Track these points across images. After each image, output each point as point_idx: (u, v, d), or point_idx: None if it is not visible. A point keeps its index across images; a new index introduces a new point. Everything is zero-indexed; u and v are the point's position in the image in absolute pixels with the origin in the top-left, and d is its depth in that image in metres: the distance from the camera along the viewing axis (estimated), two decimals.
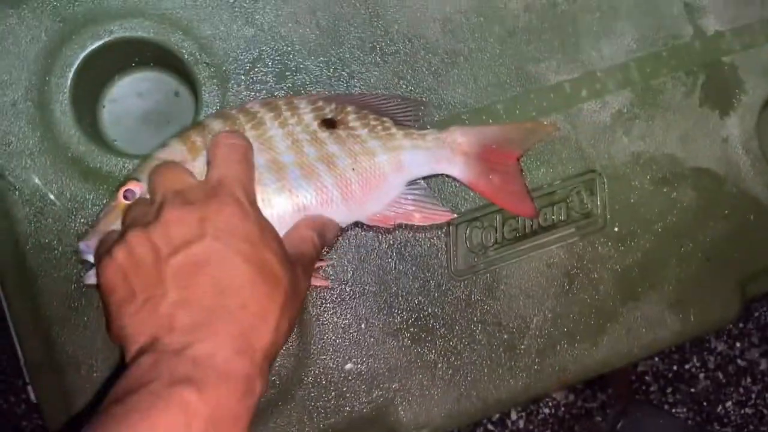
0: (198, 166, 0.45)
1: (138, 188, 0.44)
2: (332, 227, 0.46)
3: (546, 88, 0.54)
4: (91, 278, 0.44)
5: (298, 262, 0.41)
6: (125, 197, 0.44)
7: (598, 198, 0.54)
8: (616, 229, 0.54)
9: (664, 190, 0.55)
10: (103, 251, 0.40)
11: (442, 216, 0.49)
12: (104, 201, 0.48)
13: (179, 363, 0.34)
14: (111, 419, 0.31)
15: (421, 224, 0.50)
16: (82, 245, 0.44)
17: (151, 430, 0.31)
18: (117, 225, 0.44)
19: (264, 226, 0.40)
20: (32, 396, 0.50)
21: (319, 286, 0.51)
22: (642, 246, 0.54)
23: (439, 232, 0.52)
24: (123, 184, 0.45)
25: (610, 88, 0.55)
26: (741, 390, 0.99)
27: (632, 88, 0.55)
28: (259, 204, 0.45)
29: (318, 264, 0.50)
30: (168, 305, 0.36)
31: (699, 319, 0.55)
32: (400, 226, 0.51)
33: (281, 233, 0.45)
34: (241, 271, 0.37)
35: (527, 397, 0.53)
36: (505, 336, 0.53)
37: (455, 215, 0.50)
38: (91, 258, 0.44)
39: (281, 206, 0.46)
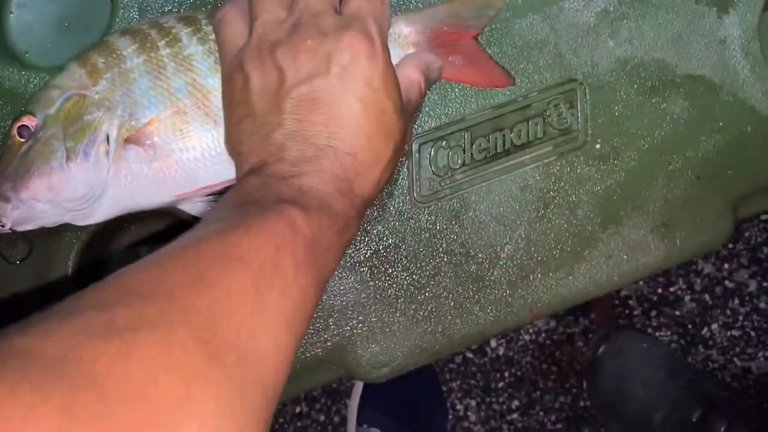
0: (100, 91, 0.39)
1: (32, 123, 0.39)
2: (436, 67, 0.43)
3: None
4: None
5: (407, 111, 0.40)
6: (20, 134, 0.39)
7: (579, 111, 0.48)
8: (597, 146, 0.49)
9: (653, 100, 0.49)
10: (235, 61, 0.38)
11: None
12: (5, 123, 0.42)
13: (286, 187, 0.34)
14: (221, 221, 0.31)
15: None
16: None
17: (259, 234, 0.30)
18: (10, 168, 0.38)
19: (390, 72, 0.38)
20: None
21: None
22: (626, 164, 0.49)
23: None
24: (17, 118, 0.39)
25: None
26: (728, 312, 0.96)
27: None
28: (176, 135, 0.39)
29: None
30: (282, 135, 0.36)
31: (686, 243, 0.50)
32: None
33: (207, 172, 0.40)
34: (358, 117, 0.36)
35: (497, 331, 0.49)
36: (473, 267, 0.48)
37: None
38: None
39: (204, 140, 0.40)
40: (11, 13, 0.46)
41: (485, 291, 0.48)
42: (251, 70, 0.37)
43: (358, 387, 0.85)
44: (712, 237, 0.50)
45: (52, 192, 0.38)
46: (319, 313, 0.47)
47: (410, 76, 0.41)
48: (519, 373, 0.95)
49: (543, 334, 0.95)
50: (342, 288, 0.47)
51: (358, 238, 0.46)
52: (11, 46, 0.46)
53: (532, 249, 0.48)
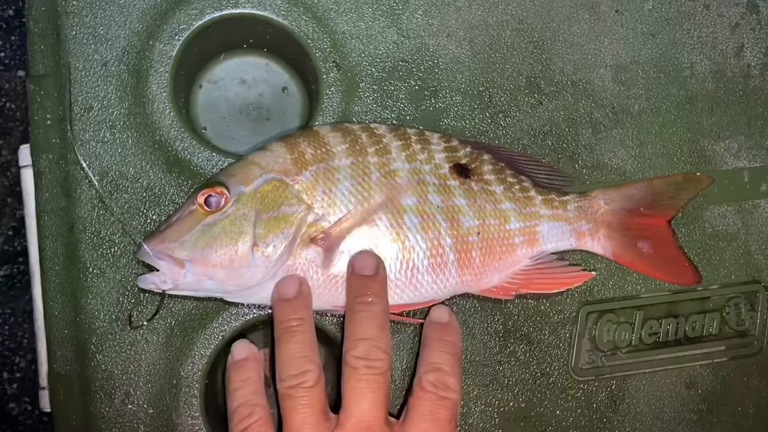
0: (302, 182, 0.37)
1: (223, 197, 0.36)
2: None
3: (720, 171, 0.45)
4: (146, 282, 0.36)
5: None
6: (207, 203, 0.36)
7: (759, 316, 0.45)
8: None
9: None
10: None
11: (577, 278, 0.41)
12: (182, 200, 0.40)
13: None
14: None
15: (548, 292, 0.42)
16: (146, 247, 0.36)
17: None
18: (189, 235, 0.36)
19: None
20: (43, 404, 0.42)
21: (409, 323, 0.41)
22: None
23: (564, 316, 0.43)
24: (207, 186, 0.37)
25: None
26: None
27: None
28: (362, 247, 0.37)
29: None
30: None
31: None
32: (520, 296, 0.42)
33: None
34: None
35: None
36: None
37: (594, 273, 0.42)
38: (150, 261, 0.36)
39: (389, 256, 0.38)
40: (200, 86, 0.45)
41: None
42: None
43: None
44: None
45: (228, 275, 0.35)
46: None
47: None
48: None
49: None
50: None
51: (501, 399, 0.42)
52: (192, 118, 0.45)
53: None
